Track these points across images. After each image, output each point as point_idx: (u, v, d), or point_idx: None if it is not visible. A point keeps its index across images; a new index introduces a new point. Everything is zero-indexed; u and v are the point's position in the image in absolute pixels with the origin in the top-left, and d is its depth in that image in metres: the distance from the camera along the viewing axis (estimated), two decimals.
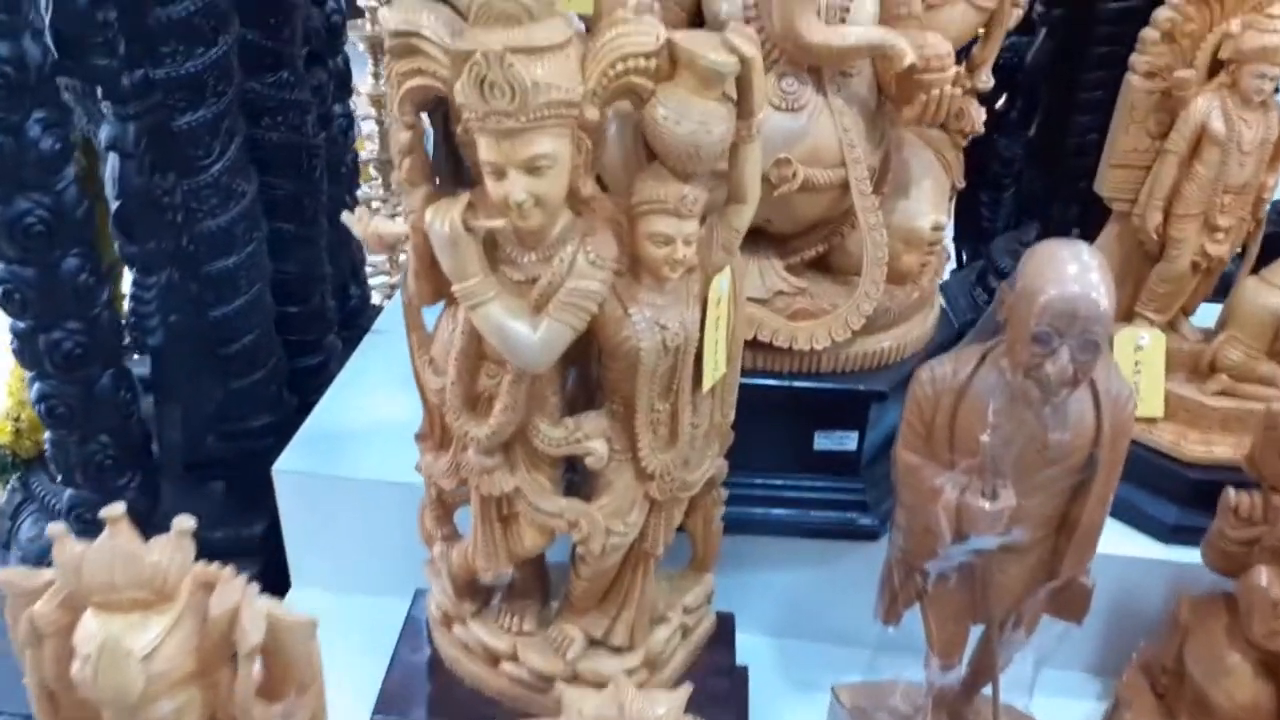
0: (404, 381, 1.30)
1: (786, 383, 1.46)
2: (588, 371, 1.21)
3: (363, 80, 2.90)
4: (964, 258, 2.34)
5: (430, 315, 1.23)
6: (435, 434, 1.29)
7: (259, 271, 1.77)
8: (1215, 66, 1.50)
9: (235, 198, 1.69)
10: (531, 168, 1.00)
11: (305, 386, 1.94)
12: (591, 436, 1.16)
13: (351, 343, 2.05)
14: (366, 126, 3.08)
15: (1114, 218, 1.65)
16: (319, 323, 2.02)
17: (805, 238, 1.49)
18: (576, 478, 1.26)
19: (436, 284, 1.14)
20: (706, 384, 1.18)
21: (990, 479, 1.14)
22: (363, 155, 2.89)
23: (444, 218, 1.03)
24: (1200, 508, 1.47)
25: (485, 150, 1.00)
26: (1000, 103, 2.13)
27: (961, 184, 1.68)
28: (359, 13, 2.76)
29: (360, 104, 2.80)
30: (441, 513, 1.39)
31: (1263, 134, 1.48)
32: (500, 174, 1.00)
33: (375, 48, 2.89)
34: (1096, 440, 1.14)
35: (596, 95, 1.01)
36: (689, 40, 1.02)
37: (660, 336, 1.10)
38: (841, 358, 1.47)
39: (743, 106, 1.06)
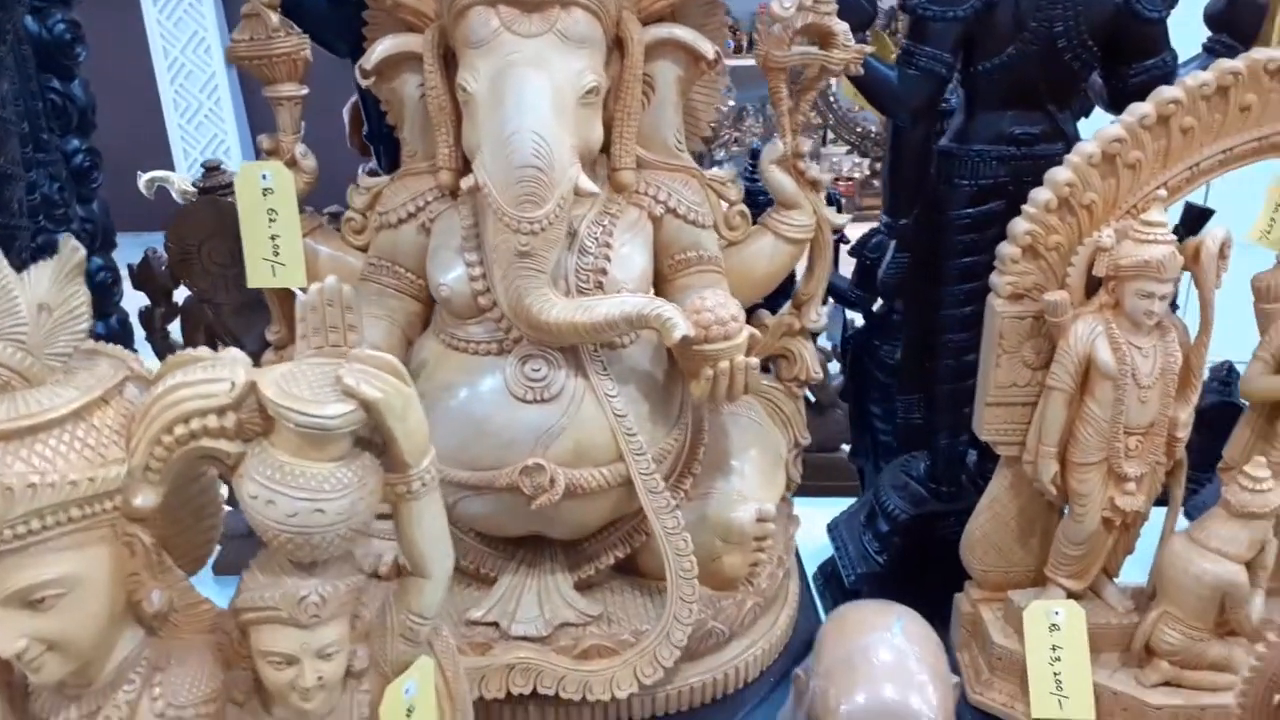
0: None
1: None
2: None
3: None
4: (865, 481, 2.01)
5: None
6: None
7: None
8: (1093, 282, 1.21)
9: None
10: (29, 601, 0.66)
11: None
12: None
13: None
14: None
15: (1003, 464, 1.32)
16: None
17: (598, 542, 1.15)
18: None
19: None
20: None
21: None
22: None
23: None
24: None
25: None
26: (878, 305, 1.84)
27: (806, 439, 1.36)
28: None
29: None
30: None
31: (1162, 362, 1.17)
32: None
33: None
34: None
35: (151, 471, 0.69)
36: (286, 381, 0.70)
37: None
38: (659, 700, 1.11)
39: (391, 460, 0.74)
